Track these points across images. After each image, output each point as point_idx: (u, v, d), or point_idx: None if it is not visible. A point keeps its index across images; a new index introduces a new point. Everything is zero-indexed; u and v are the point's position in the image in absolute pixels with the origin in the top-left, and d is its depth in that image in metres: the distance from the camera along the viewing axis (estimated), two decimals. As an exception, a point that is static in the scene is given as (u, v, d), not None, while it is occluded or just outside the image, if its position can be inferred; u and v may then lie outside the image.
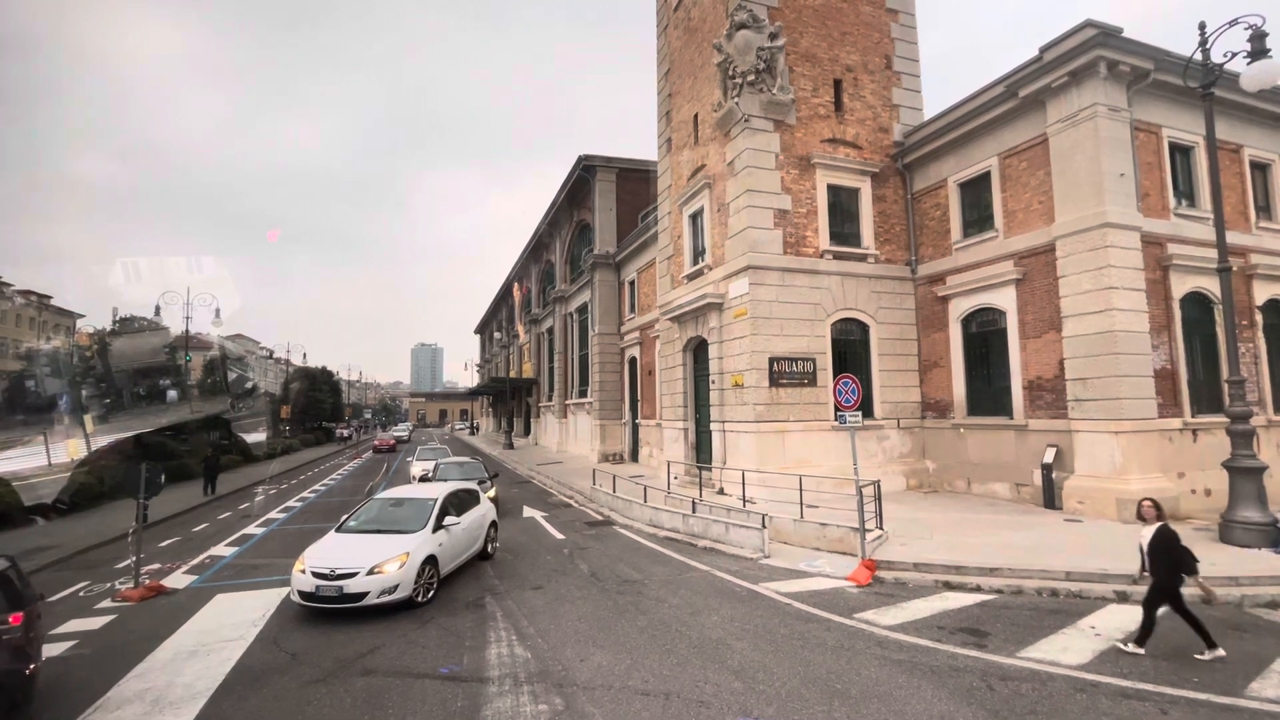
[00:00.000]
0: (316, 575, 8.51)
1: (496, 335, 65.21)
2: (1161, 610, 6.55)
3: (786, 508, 12.62)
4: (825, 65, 18.12)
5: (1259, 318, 15.02)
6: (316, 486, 25.67)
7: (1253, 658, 6.40)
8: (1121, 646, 6.68)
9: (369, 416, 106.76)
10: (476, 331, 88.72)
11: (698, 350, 20.19)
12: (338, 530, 10.06)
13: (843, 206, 17.93)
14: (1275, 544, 9.71)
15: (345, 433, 67.90)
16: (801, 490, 12.63)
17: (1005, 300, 15.31)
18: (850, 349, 17.65)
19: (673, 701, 5.83)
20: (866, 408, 16.96)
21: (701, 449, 19.66)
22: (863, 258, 17.82)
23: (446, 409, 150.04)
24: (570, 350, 38.40)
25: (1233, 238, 13.14)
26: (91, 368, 32.62)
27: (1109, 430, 12.70)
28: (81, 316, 62.47)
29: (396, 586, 8.56)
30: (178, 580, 11.00)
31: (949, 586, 9.08)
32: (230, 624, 8.45)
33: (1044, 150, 14.33)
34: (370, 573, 8.48)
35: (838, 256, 17.48)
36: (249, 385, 60.03)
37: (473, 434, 77.67)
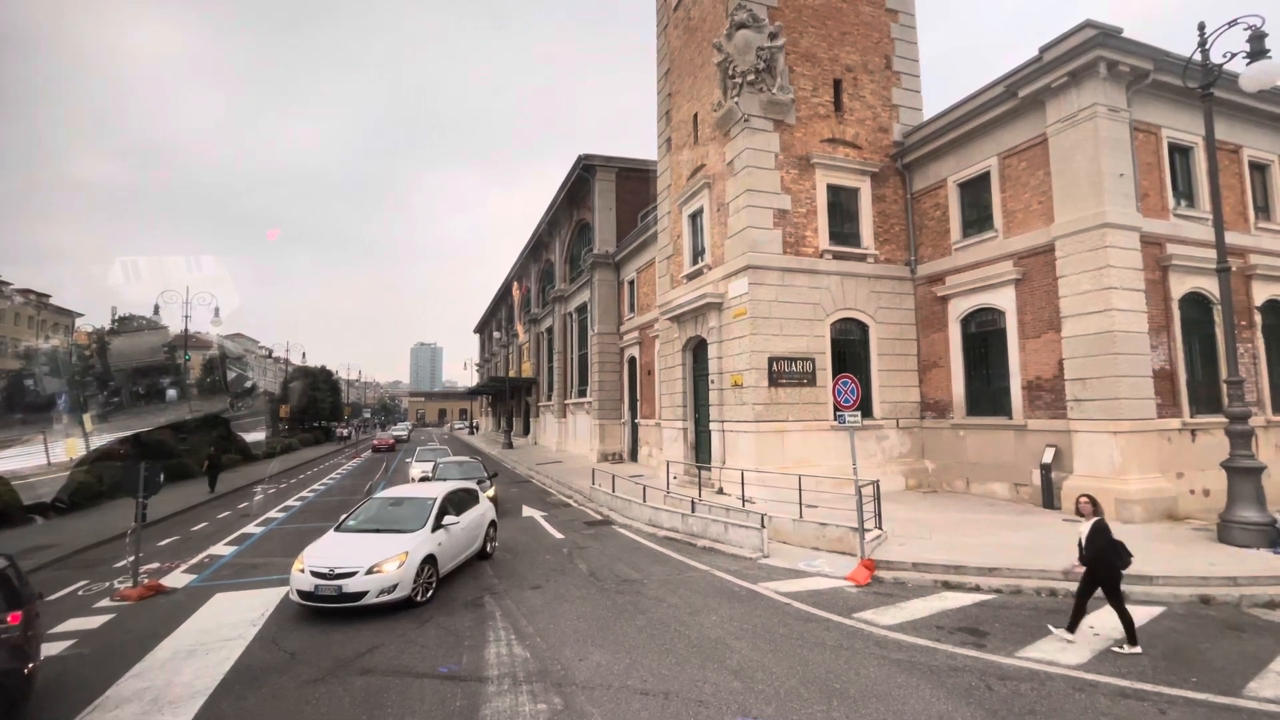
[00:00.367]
0: (315, 574, 8.51)
1: (496, 335, 65.21)
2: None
3: (786, 507, 12.62)
4: (825, 65, 18.12)
5: (1258, 318, 15.03)
6: (315, 486, 25.66)
7: (1251, 658, 6.41)
8: (1052, 629, 7.01)
9: (368, 416, 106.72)
10: (476, 331, 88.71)
11: (697, 350, 20.19)
12: (337, 529, 10.06)
13: (842, 206, 17.94)
14: (1273, 544, 9.72)
15: (344, 432, 67.89)
16: (800, 490, 12.63)
17: (1004, 300, 15.32)
18: (849, 349, 17.66)
19: (672, 701, 5.84)
20: (866, 408, 16.96)
21: (701, 449, 19.66)
22: (862, 258, 17.82)
23: (446, 408, 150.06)
24: (569, 350, 38.39)
25: (1232, 238, 13.16)
26: (90, 367, 32.61)
27: (1108, 430, 12.71)
28: (80, 315, 62.51)
29: (395, 586, 8.56)
30: (176, 579, 11.00)
31: (948, 586, 9.09)
32: (229, 623, 8.45)
33: (1043, 150, 14.34)
34: (369, 572, 8.48)
35: (837, 256, 17.48)
36: (248, 384, 60.07)
37: (472, 433, 77.66)
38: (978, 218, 16.45)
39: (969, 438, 16.42)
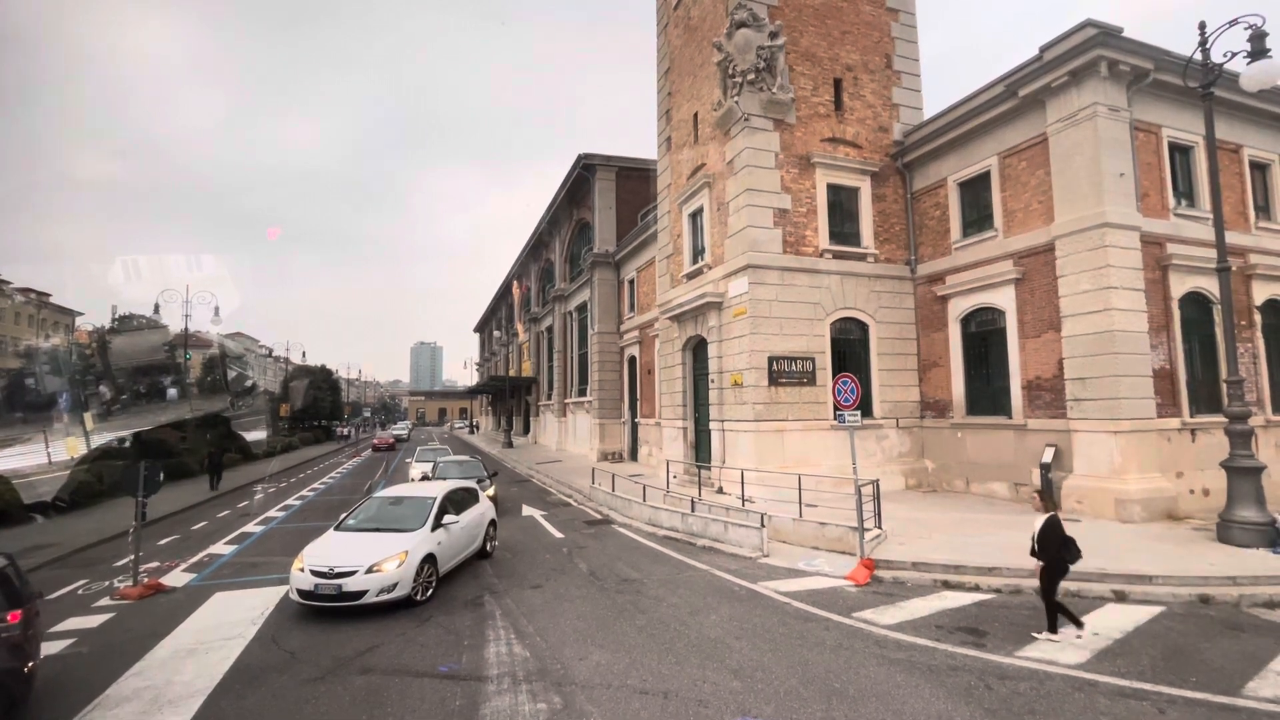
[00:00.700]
0: (315, 574, 8.52)
1: (496, 334, 65.20)
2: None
3: (785, 507, 12.62)
4: (825, 64, 18.11)
5: (1258, 318, 15.03)
6: (316, 485, 25.67)
7: (1250, 658, 6.41)
8: (1036, 635, 7.03)
9: (368, 415, 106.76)
10: (476, 330, 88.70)
11: (697, 349, 20.19)
12: (337, 529, 10.06)
13: (842, 206, 17.93)
14: (1273, 544, 9.72)
15: (345, 431, 67.89)
16: (800, 489, 12.63)
17: (1004, 300, 15.31)
18: (849, 348, 17.65)
19: (671, 700, 5.84)
20: (865, 407, 16.96)
21: (700, 448, 19.66)
22: (862, 257, 17.82)
23: (446, 408, 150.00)
24: (570, 349, 38.39)
25: (1232, 238, 13.14)
26: (91, 365, 32.62)
27: (1108, 430, 12.71)
28: (81, 315, 62.60)
29: (395, 585, 8.56)
30: (176, 578, 11.00)
31: (947, 586, 9.09)
32: (229, 622, 8.45)
33: (1044, 150, 14.33)
34: (369, 571, 8.48)
35: (837, 256, 17.47)
36: (248, 383, 60.06)
37: (472, 433, 77.66)
38: (978, 217, 16.44)
39: (969, 437, 16.42)
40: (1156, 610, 7.86)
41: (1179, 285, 13.94)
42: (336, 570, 8.49)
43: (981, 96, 15.65)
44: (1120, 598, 8.31)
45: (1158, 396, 13.08)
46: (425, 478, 17.85)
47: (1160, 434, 13.03)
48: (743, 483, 14.42)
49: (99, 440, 26.86)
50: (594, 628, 7.84)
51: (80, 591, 10.38)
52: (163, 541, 14.33)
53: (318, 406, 60.51)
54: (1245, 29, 10.16)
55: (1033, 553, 7.14)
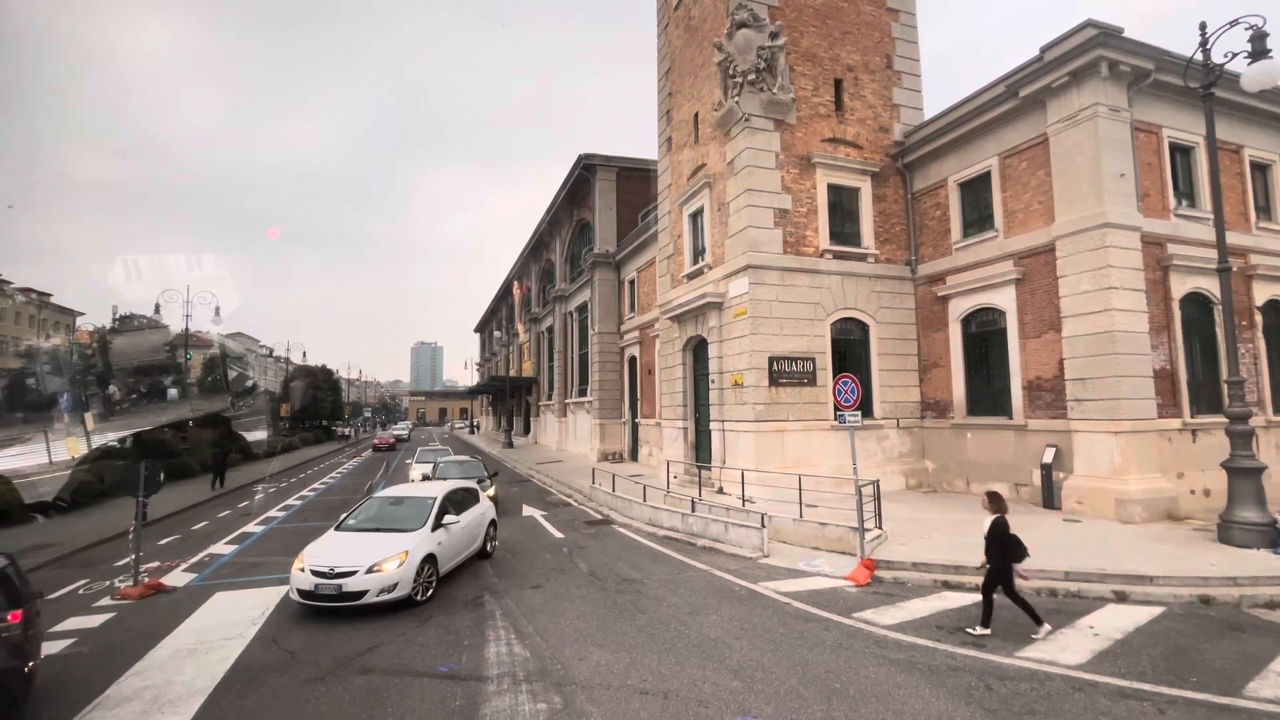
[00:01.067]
0: (315, 573, 8.52)
1: (496, 334, 65.21)
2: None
3: (786, 507, 12.61)
4: (826, 64, 18.11)
5: (1259, 318, 15.02)
6: (316, 485, 25.68)
7: (1251, 658, 6.41)
8: (970, 631, 7.19)
9: (369, 415, 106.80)
10: (476, 330, 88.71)
11: (697, 349, 20.19)
12: (337, 529, 10.06)
13: (843, 206, 17.93)
14: (1274, 544, 9.72)
15: (345, 431, 67.91)
16: (801, 490, 12.62)
17: (1005, 300, 15.31)
18: (850, 348, 17.65)
19: (671, 700, 5.84)
20: (866, 407, 16.95)
21: (701, 448, 19.66)
22: (863, 257, 17.81)
23: (446, 408, 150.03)
24: (570, 349, 38.40)
25: (1233, 238, 13.14)
26: (92, 365, 32.65)
27: (1108, 430, 12.70)
28: (81, 314, 62.62)
29: (395, 585, 8.56)
30: (177, 578, 11.01)
31: (948, 586, 9.08)
32: (229, 622, 8.45)
33: (1044, 150, 14.32)
34: (369, 571, 8.48)
35: (838, 256, 17.47)
36: (249, 383, 60.11)
37: (472, 433, 77.69)
38: (978, 217, 16.44)
39: (969, 438, 16.41)
40: (1157, 611, 7.85)
41: (1180, 285, 13.93)
42: (337, 570, 8.49)
43: (982, 97, 15.65)
44: (1121, 598, 8.30)
45: (1158, 397, 13.08)
46: (426, 478, 17.86)
47: (1161, 434, 13.03)
48: (743, 483, 14.42)
49: (100, 440, 26.88)
50: (594, 628, 7.84)
51: (81, 591, 10.38)
52: (163, 541, 14.33)
53: (318, 406, 60.55)
54: (1246, 29, 10.16)
55: (986, 551, 7.29)
